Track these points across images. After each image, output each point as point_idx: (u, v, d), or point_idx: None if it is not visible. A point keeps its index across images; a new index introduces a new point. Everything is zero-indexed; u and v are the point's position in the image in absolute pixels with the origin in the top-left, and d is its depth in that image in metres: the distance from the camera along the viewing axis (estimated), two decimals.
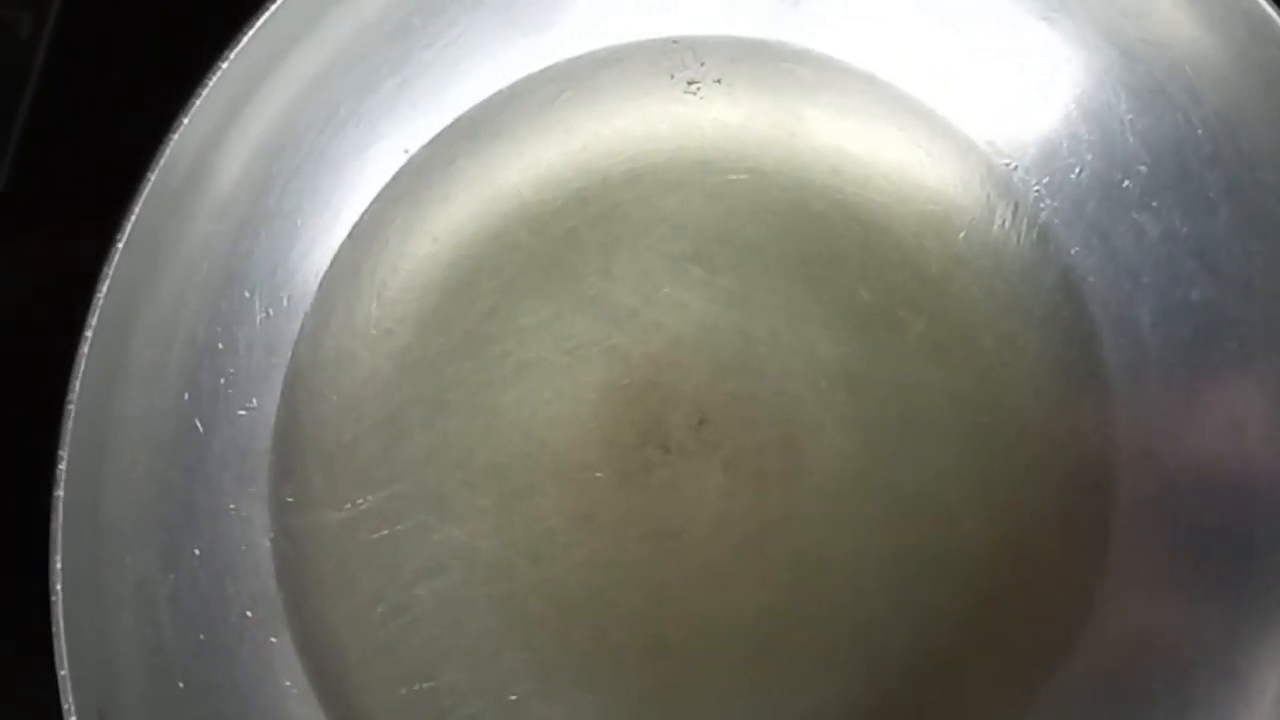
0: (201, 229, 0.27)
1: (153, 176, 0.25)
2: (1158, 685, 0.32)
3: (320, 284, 0.31)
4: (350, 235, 0.31)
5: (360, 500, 0.31)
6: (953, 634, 0.33)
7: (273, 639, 0.30)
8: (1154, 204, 0.33)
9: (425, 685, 0.31)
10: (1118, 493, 0.33)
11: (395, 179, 0.31)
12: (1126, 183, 0.33)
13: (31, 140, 0.32)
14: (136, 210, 0.24)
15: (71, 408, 0.22)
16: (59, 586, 0.22)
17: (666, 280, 0.33)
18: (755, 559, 0.33)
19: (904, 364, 0.34)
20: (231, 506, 0.29)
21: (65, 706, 0.22)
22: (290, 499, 0.30)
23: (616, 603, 0.33)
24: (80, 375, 0.23)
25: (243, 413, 0.29)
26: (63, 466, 0.22)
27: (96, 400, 0.24)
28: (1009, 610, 0.33)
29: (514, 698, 0.32)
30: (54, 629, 0.21)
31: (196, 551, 0.28)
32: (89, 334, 0.22)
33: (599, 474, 0.33)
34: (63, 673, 0.22)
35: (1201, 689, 0.32)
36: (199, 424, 0.28)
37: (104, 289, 0.23)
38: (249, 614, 0.29)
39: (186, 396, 0.28)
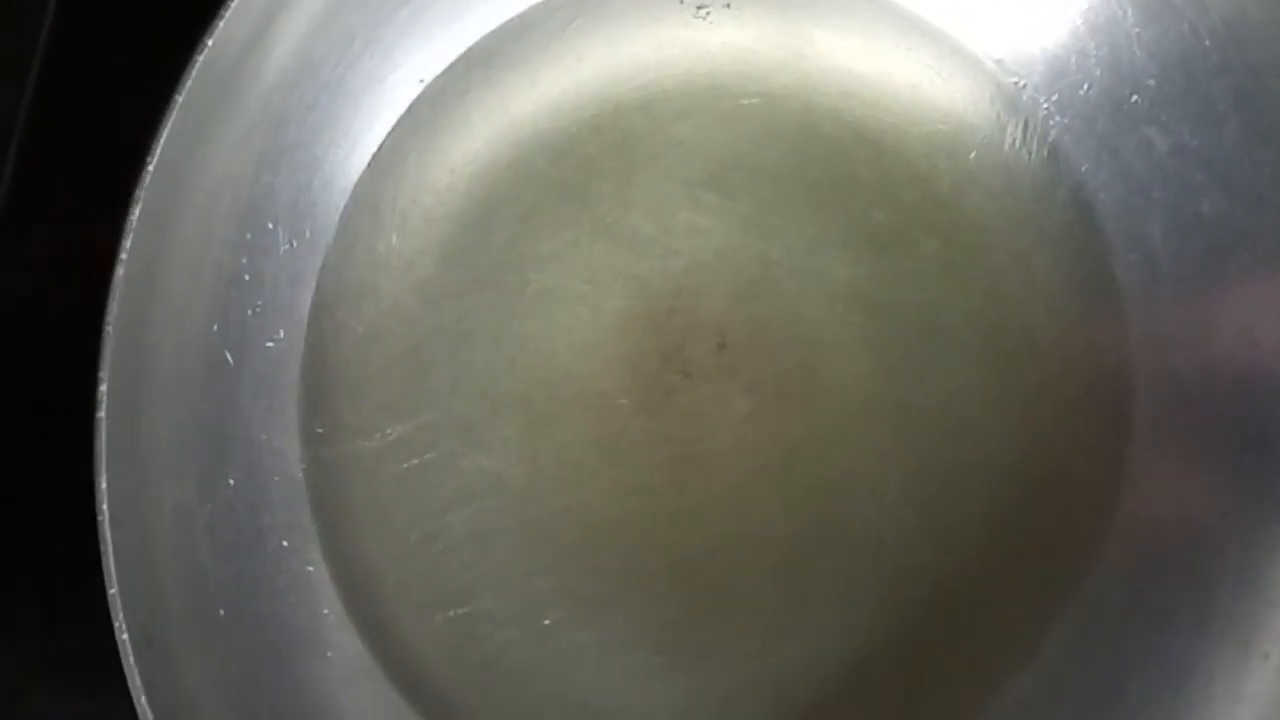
0: (223, 160, 0.27)
1: (174, 110, 0.25)
2: (1177, 601, 0.33)
3: (341, 216, 0.31)
4: (369, 167, 0.31)
5: (388, 430, 0.31)
6: (975, 551, 0.34)
7: (309, 568, 0.30)
8: (1163, 118, 0.33)
9: (459, 611, 0.31)
10: (1133, 405, 0.34)
11: (411, 110, 0.31)
12: (1135, 97, 0.33)
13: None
14: (161, 142, 0.24)
15: (109, 329, 0.22)
16: (105, 506, 0.22)
17: (683, 206, 0.33)
18: (779, 481, 0.33)
19: (919, 284, 0.34)
20: (263, 437, 0.29)
21: (116, 625, 0.22)
22: (320, 430, 0.30)
23: (643, 527, 0.33)
24: (117, 299, 0.23)
25: (270, 345, 0.30)
26: (104, 388, 0.22)
27: (132, 327, 0.24)
28: (1030, 526, 0.34)
29: (547, 623, 0.32)
30: (102, 549, 0.22)
31: (231, 482, 0.28)
32: (123, 256, 0.22)
33: (622, 400, 0.33)
34: (112, 591, 0.22)
35: (1224, 603, 0.32)
36: (229, 356, 0.28)
37: (135, 214, 0.23)
38: (285, 543, 0.29)
39: (216, 328, 0.28)
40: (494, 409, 0.32)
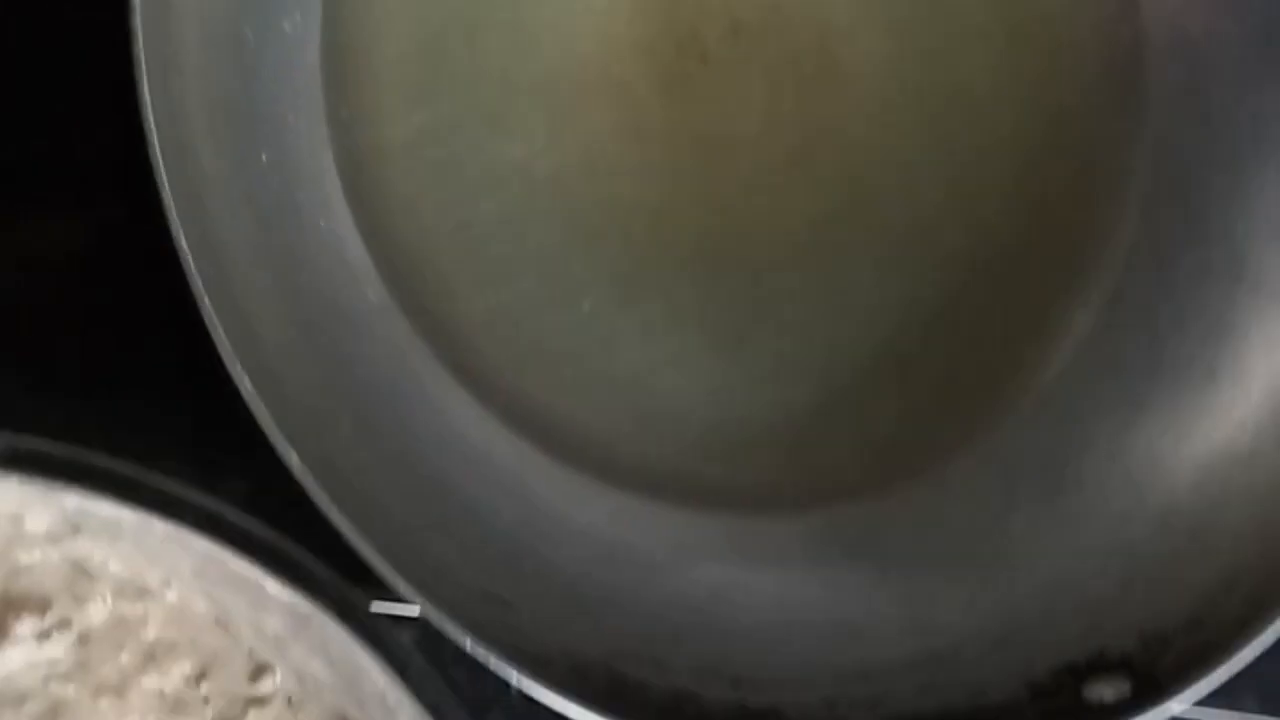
0: None
1: None
2: (1209, 256, 0.33)
3: None
4: None
5: (412, 118, 0.32)
6: (1004, 227, 0.34)
7: (348, 254, 0.30)
8: None
9: (499, 297, 0.32)
10: (1149, 76, 0.34)
11: None
12: None
13: None
14: None
15: None
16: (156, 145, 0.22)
17: None
18: (805, 165, 0.34)
19: None
20: (290, 118, 0.30)
21: (185, 261, 0.23)
22: (344, 117, 0.31)
23: (675, 214, 0.33)
24: None
25: (288, 28, 0.30)
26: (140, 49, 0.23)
27: None
28: (1054, 199, 0.34)
29: (586, 307, 0.33)
30: (164, 205, 0.22)
31: (264, 158, 0.28)
32: None
33: (641, 86, 0.33)
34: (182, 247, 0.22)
35: (1254, 255, 0.32)
36: (249, 34, 0.28)
37: None
38: (322, 224, 0.30)
39: (231, 4, 0.28)
40: (516, 96, 0.32)
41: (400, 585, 0.25)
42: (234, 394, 0.24)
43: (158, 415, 0.30)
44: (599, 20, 0.32)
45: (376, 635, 0.27)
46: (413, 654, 0.27)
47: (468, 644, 0.25)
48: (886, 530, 0.33)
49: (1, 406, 0.27)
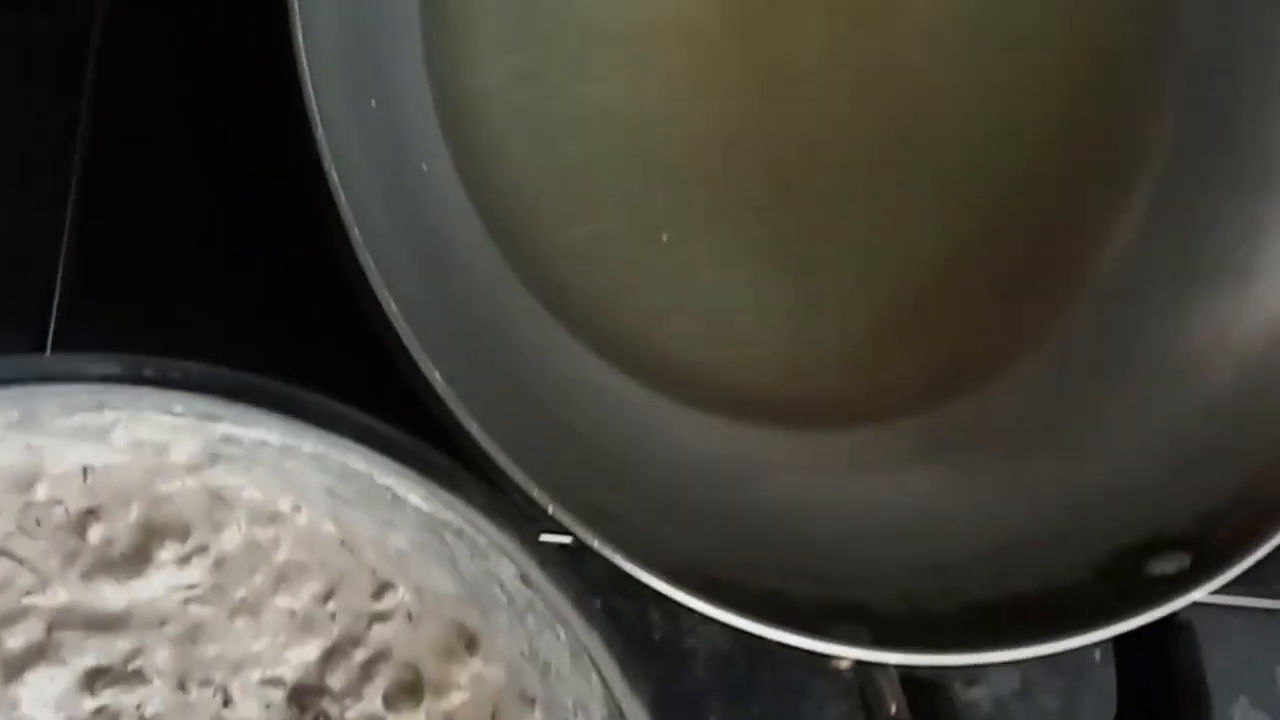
0: None
1: None
2: (1244, 163, 0.35)
3: None
4: None
5: (503, 64, 0.33)
6: (1048, 148, 0.36)
7: (449, 193, 0.32)
8: None
9: (586, 230, 0.34)
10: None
11: None
12: None
13: None
14: None
15: None
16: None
17: None
18: (867, 97, 0.36)
19: None
20: (393, 64, 0.31)
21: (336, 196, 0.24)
22: (441, 63, 0.32)
23: (744, 146, 0.35)
24: None
25: None
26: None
27: None
28: (1095, 121, 0.36)
29: (665, 238, 0.34)
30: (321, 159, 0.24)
31: (372, 103, 0.30)
32: None
33: (713, 28, 0.35)
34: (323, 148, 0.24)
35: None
36: None
37: None
38: (425, 167, 0.32)
39: None
40: (598, 41, 0.34)
41: (534, 492, 0.27)
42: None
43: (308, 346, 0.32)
44: None
45: (504, 517, 0.28)
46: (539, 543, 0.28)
47: (595, 543, 0.27)
48: (952, 435, 0.35)
49: (173, 335, 0.28)
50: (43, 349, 0.32)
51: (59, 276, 0.33)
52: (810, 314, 0.35)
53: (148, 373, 0.24)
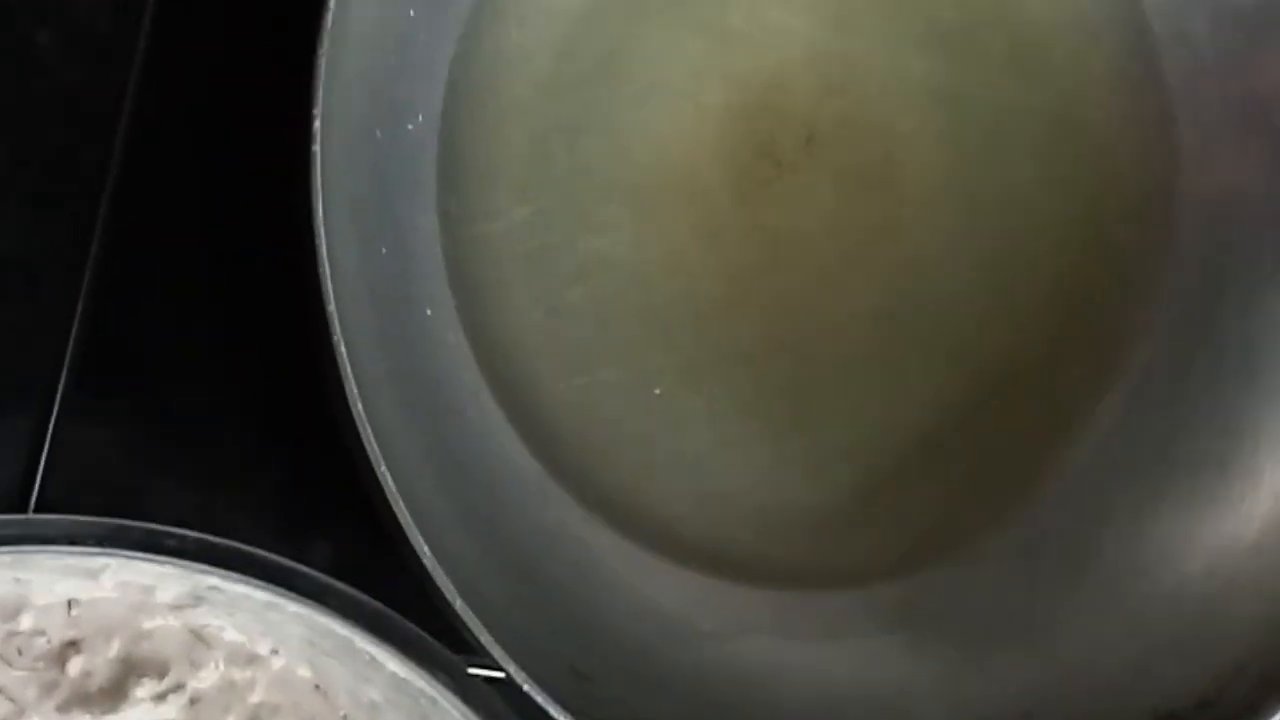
0: None
1: None
2: (1224, 358, 0.36)
3: (471, 9, 0.33)
4: None
5: (513, 213, 0.34)
6: (1041, 325, 0.37)
7: (450, 336, 0.33)
8: None
9: (581, 381, 0.34)
10: (1180, 189, 0.37)
11: None
12: None
13: None
14: None
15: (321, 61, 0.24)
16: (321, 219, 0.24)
17: (774, 6, 0.36)
18: (863, 263, 0.37)
19: (988, 82, 0.37)
20: (407, 214, 0.32)
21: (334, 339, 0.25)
22: (454, 211, 0.33)
23: (742, 307, 0.36)
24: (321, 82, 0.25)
25: (410, 127, 0.32)
26: (317, 125, 0.24)
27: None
28: (1087, 300, 0.37)
29: (658, 392, 0.35)
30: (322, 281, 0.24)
31: (383, 250, 0.30)
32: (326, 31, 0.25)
33: (721, 189, 0.36)
34: (330, 309, 0.25)
35: (1267, 356, 0.36)
36: (379, 133, 0.30)
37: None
38: (429, 312, 0.32)
39: (370, 106, 0.30)
40: (607, 196, 0.34)
41: (511, 669, 0.28)
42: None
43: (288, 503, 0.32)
44: (688, 128, 0.35)
45: (474, 697, 0.29)
46: (508, 715, 0.29)
47: (558, 714, 0.28)
48: (922, 607, 0.36)
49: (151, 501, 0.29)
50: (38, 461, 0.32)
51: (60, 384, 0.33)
52: (791, 475, 0.36)
53: (138, 538, 0.24)
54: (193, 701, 0.30)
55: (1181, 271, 0.37)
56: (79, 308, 0.32)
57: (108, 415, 0.33)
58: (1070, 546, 0.36)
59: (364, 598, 0.26)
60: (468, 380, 0.33)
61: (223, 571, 0.26)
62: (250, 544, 0.30)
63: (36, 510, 0.32)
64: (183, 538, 0.25)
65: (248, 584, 0.27)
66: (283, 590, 0.26)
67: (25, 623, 0.28)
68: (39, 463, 0.33)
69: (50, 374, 0.33)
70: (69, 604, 0.29)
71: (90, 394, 0.33)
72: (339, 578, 0.32)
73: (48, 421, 0.33)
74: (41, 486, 0.33)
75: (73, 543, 0.24)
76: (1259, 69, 0.37)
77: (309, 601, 0.26)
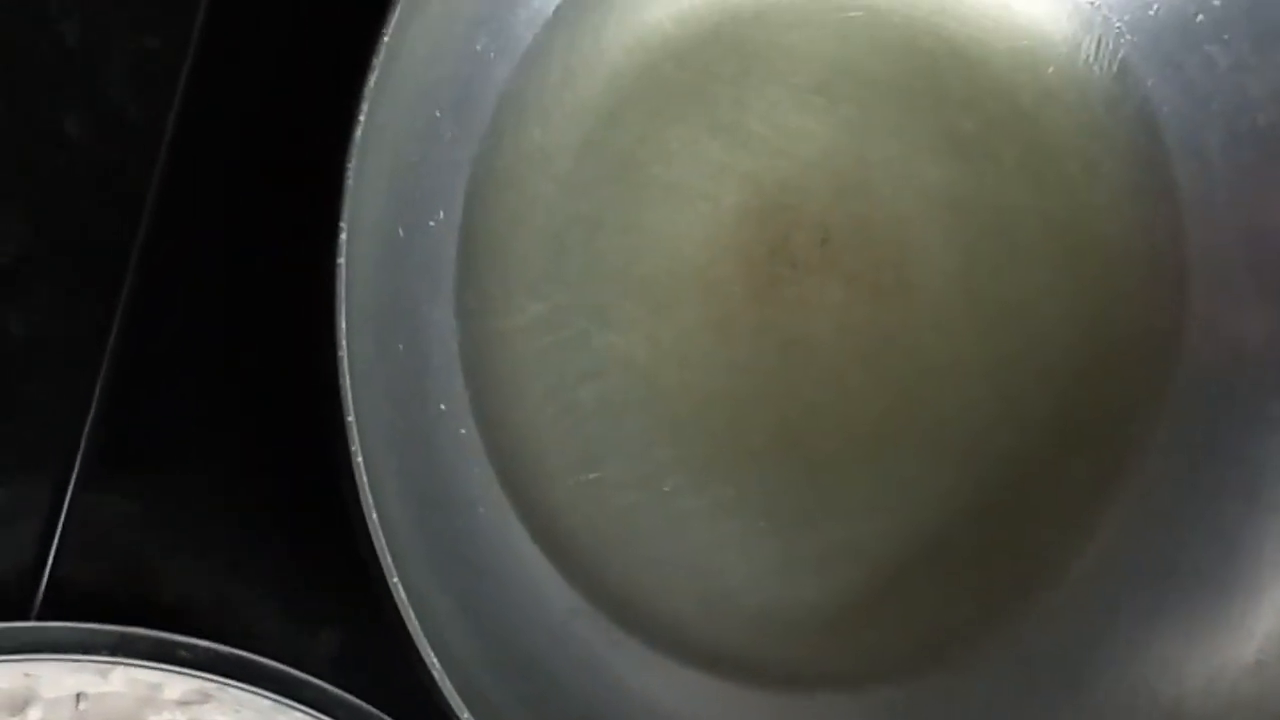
0: (405, 62, 0.30)
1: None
2: (1227, 474, 0.36)
3: (493, 110, 0.33)
4: (517, 65, 0.33)
5: (529, 309, 0.34)
6: (1046, 434, 0.37)
7: (462, 430, 0.33)
8: (1225, 36, 0.37)
9: (590, 477, 0.35)
10: (1191, 300, 0.37)
11: (557, 13, 0.34)
12: (1200, 17, 0.37)
13: None
14: (385, 42, 0.27)
15: (350, 179, 0.25)
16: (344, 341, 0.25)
17: (792, 110, 0.36)
18: (874, 366, 0.37)
19: (1002, 189, 0.37)
20: (425, 309, 0.32)
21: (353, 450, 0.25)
22: (471, 306, 0.33)
23: (751, 403, 0.36)
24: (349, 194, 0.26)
25: (432, 224, 0.32)
26: (343, 238, 0.25)
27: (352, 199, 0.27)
28: (1094, 412, 0.38)
29: (666, 489, 0.35)
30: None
31: (400, 347, 0.31)
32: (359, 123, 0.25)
33: (735, 288, 0.36)
34: (350, 418, 0.25)
35: (1271, 473, 0.36)
36: (400, 230, 0.31)
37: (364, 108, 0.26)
38: (442, 407, 0.32)
39: (392, 205, 0.30)
40: (622, 293, 0.35)
41: None
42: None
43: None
44: (705, 225, 0.35)
45: None
46: None
47: None
48: (915, 714, 0.36)
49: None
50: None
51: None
52: (795, 575, 0.36)
53: (147, 648, 0.25)
54: None
55: (1188, 387, 0.37)
56: (98, 387, 0.33)
57: (124, 492, 0.34)
58: (1068, 658, 0.36)
59: (370, 710, 0.27)
60: (478, 474, 0.33)
61: (232, 682, 0.26)
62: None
63: (50, 582, 0.33)
64: (193, 648, 0.25)
65: (255, 691, 0.27)
66: (290, 702, 0.26)
67: (33, 715, 0.28)
68: (54, 535, 0.33)
69: (68, 450, 0.33)
70: (77, 698, 0.29)
71: (107, 470, 0.33)
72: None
73: (64, 495, 0.33)
74: (56, 558, 0.33)
75: (85, 651, 0.24)
76: (1272, 186, 0.37)
77: (315, 713, 0.26)
